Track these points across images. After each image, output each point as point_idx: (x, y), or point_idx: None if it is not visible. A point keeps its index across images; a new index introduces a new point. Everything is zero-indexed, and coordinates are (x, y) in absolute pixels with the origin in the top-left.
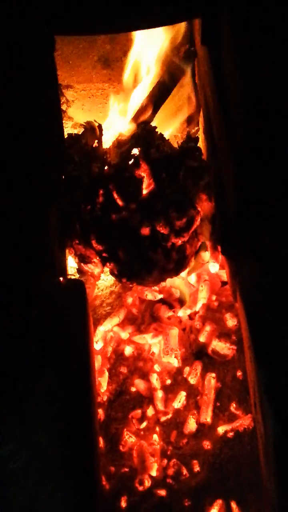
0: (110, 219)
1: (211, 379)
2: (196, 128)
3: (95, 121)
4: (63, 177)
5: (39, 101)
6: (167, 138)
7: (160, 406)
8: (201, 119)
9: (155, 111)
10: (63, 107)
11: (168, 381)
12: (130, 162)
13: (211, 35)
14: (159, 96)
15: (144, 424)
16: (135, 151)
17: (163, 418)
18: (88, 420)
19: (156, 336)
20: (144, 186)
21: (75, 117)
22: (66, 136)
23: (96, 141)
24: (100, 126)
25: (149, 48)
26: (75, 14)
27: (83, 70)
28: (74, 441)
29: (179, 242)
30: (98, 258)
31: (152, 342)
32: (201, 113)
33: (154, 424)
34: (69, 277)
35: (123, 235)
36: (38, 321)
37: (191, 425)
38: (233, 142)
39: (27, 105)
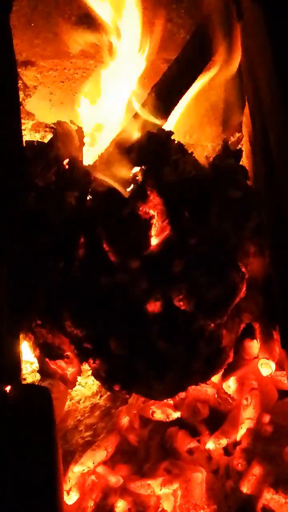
0: (95, 285)
1: None
2: (237, 134)
3: (71, 122)
4: (19, 213)
5: None
6: (190, 151)
7: None
8: (246, 120)
9: (170, 105)
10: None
11: None
12: (131, 190)
13: None
14: (178, 78)
15: None
16: (138, 171)
17: None
18: None
19: (168, 483)
20: (153, 231)
21: (37, 114)
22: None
23: (73, 154)
24: (80, 130)
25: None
26: None
27: (52, 37)
28: None
29: (210, 325)
30: (74, 350)
31: (162, 493)
32: (247, 111)
33: None
34: (24, 381)
35: (118, 312)
36: None
37: None
38: None
39: None
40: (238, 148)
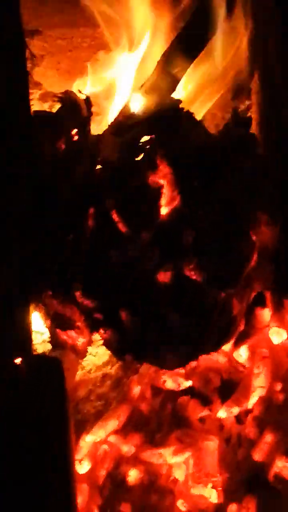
0: (105, 257)
1: None
2: (247, 102)
3: (79, 91)
4: (29, 186)
5: None
6: (200, 119)
7: None
8: (255, 87)
9: (179, 74)
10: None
11: None
12: (140, 160)
13: None
14: (187, 47)
15: None
16: (148, 141)
17: None
18: None
19: (180, 452)
20: (163, 201)
21: (45, 83)
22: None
23: (82, 124)
24: (88, 100)
25: None
26: None
27: (60, 6)
28: None
29: (222, 295)
30: (84, 320)
31: (173, 461)
32: (257, 78)
33: None
34: (35, 352)
35: (128, 284)
36: None
37: None
38: None
39: None
40: (248, 116)
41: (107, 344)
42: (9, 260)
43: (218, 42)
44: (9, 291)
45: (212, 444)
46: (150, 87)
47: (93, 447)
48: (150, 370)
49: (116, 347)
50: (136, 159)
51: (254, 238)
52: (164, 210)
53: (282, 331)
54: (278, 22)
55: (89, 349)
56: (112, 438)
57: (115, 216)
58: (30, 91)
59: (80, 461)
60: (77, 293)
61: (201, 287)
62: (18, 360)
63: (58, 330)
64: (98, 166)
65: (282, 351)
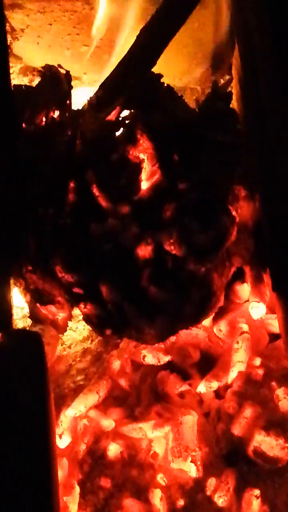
0: (86, 231)
1: (253, 500)
2: (227, 77)
3: (59, 66)
4: (8, 160)
5: None
6: (179, 95)
7: None
8: (235, 63)
9: (160, 48)
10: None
11: (181, 502)
12: (120, 135)
13: None
14: (167, 21)
15: None
16: (128, 115)
17: None
18: None
19: (160, 426)
20: (144, 176)
21: (25, 57)
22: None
23: (62, 98)
24: (68, 74)
25: None
26: None
27: None
28: None
29: (201, 270)
30: (64, 295)
31: (153, 436)
32: (236, 53)
33: None
34: (15, 326)
35: (108, 258)
36: None
37: None
38: None
39: None
40: (228, 90)
41: (87, 319)
42: None
43: (197, 16)
44: None
45: (192, 419)
46: (130, 61)
47: (73, 421)
48: (130, 345)
49: (96, 322)
50: (116, 133)
51: (233, 213)
52: (144, 185)
53: (261, 306)
54: None
55: (70, 324)
56: (92, 413)
57: (95, 190)
58: (10, 64)
59: (60, 435)
60: (57, 268)
61: (180, 261)
62: None
63: (38, 305)
64: (79, 140)
65: (262, 326)
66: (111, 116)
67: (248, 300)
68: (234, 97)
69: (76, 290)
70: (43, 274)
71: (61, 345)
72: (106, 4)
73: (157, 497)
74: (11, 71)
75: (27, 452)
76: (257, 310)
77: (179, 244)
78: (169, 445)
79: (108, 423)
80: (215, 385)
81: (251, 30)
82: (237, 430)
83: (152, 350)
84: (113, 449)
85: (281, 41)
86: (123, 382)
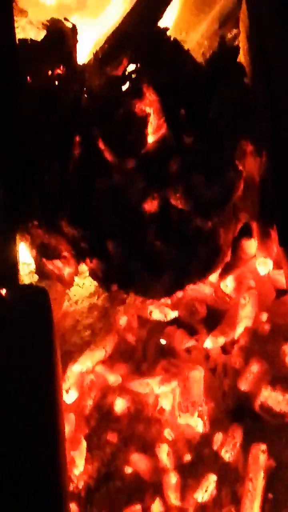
0: (92, 186)
1: (260, 455)
2: (234, 31)
3: (65, 19)
4: (14, 116)
5: None
6: (186, 49)
7: (173, 498)
8: (243, 16)
9: (167, 1)
10: None
11: (187, 457)
12: (127, 89)
13: None
14: None
15: None
16: (134, 69)
17: None
18: None
19: (167, 381)
20: (150, 130)
21: (31, 11)
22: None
23: (68, 52)
24: (74, 28)
25: None
26: None
27: None
28: None
29: (208, 225)
30: (71, 250)
31: (160, 391)
32: (244, 7)
33: None
34: (21, 282)
35: (114, 213)
36: None
37: None
38: None
39: None
40: (235, 45)
41: (93, 274)
42: None
43: None
44: None
45: (198, 374)
46: (136, 15)
47: (80, 376)
48: (136, 300)
49: (102, 277)
50: (123, 87)
51: (240, 167)
52: (150, 138)
53: (268, 262)
54: None
55: (76, 280)
56: (98, 368)
57: (101, 145)
58: (15, 18)
59: (67, 390)
60: (63, 223)
61: (187, 216)
62: (4, 291)
63: (44, 260)
64: (84, 95)
65: (268, 281)
66: (118, 71)
67: (255, 256)
68: (241, 51)
69: (82, 245)
70: (49, 228)
71: (68, 301)
72: None
73: (164, 451)
74: (16, 25)
75: (34, 406)
76: (264, 266)
77: (185, 198)
78: (176, 400)
79: (114, 378)
80: (221, 340)
81: None
82: (243, 385)
83: (159, 306)
84: (120, 404)
85: None
86: (130, 338)
